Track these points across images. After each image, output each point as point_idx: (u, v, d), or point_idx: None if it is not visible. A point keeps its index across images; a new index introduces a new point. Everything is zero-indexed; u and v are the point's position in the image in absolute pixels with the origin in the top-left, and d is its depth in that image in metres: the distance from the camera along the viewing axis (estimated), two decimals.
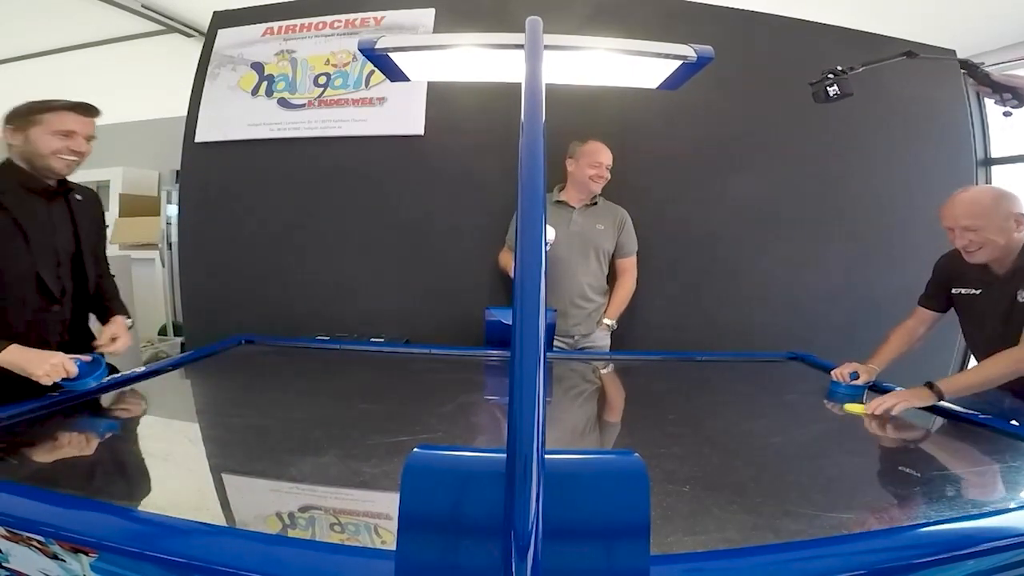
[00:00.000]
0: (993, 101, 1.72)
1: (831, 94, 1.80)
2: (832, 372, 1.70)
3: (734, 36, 2.60)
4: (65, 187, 1.58)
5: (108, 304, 1.70)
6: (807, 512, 0.89)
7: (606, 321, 2.35)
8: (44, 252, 1.50)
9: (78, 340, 1.59)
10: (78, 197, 1.62)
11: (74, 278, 1.58)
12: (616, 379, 2.02)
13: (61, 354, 1.35)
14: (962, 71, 1.80)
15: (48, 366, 1.30)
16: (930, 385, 1.46)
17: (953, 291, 1.69)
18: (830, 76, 1.80)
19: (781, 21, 2.70)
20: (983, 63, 1.74)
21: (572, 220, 2.34)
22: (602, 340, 2.37)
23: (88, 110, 1.53)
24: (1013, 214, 1.50)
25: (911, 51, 1.81)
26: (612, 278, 2.44)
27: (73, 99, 1.52)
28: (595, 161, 2.30)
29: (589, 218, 2.36)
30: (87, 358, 1.40)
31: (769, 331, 2.56)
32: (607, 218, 2.38)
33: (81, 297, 1.61)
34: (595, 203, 2.38)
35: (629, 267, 2.43)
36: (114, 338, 1.59)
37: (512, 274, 2.55)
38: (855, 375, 1.65)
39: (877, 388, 1.67)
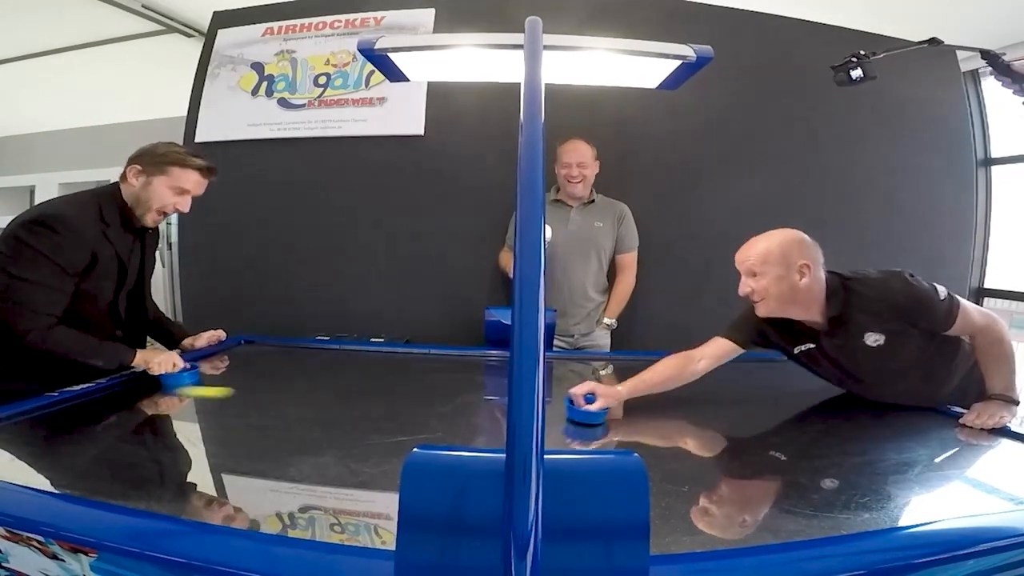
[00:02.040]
0: (1011, 91, 1.68)
1: (854, 77, 1.79)
2: (570, 390, 1.40)
3: (734, 36, 2.60)
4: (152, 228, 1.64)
5: (170, 328, 1.90)
6: (807, 512, 0.89)
7: (606, 320, 2.35)
8: (122, 284, 1.58)
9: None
10: (150, 231, 1.66)
11: (135, 306, 1.66)
12: (616, 379, 2.01)
13: (174, 354, 1.57)
14: (982, 60, 1.77)
15: (162, 359, 1.52)
16: (998, 397, 1.37)
17: (796, 351, 1.54)
18: (853, 60, 1.79)
19: (781, 21, 2.70)
20: (1004, 53, 1.72)
21: (570, 219, 2.33)
22: (602, 339, 2.37)
23: (211, 172, 1.59)
24: (797, 264, 1.39)
25: (935, 38, 1.79)
26: (613, 275, 2.44)
27: (204, 160, 1.57)
28: (563, 162, 2.28)
29: (587, 216, 2.35)
30: (188, 365, 1.57)
31: None
32: (606, 216, 2.37)
33: (140, 324, 1.70)
34: (593, 201, 2.37)
35: (629, 264, 2.41)
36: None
37: (512, 274, 2.54)
38: (591, 398, 1.36)
39: None
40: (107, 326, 1.56)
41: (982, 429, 1.31)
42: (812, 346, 1.51)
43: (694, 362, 1.53)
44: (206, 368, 1.84)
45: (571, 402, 1.37)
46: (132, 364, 1.51)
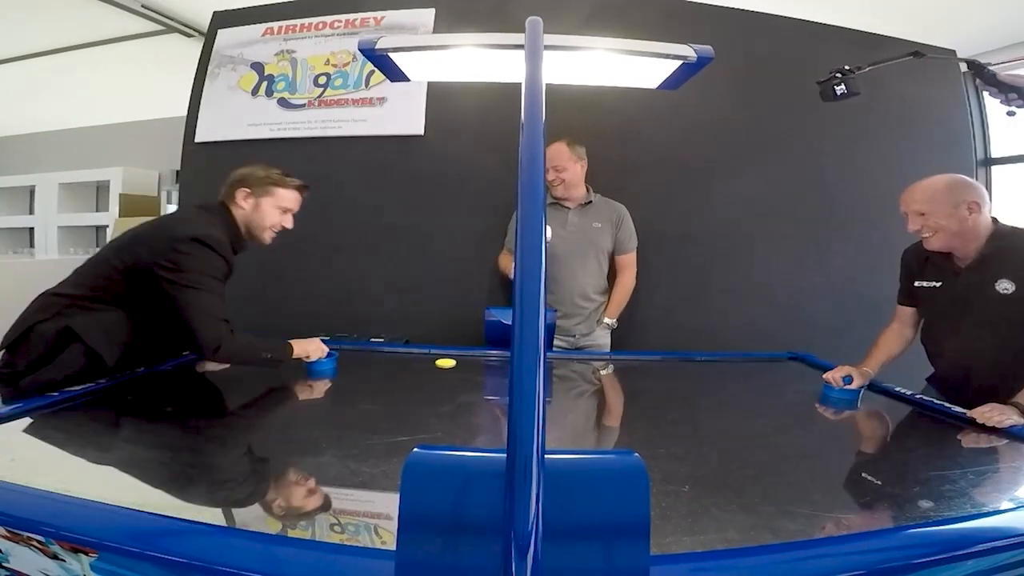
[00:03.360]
0: (999, 101, 1.73)
1: (838, 93, 1.81)
2: (825, 376, 1.63)
3: (734, 36, 2.60)
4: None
5: None
6: (807, 512, 0.89)
7: (606, 321, 2.35)
8: None
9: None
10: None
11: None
12: (616, 379, 2.02)
13: (319, 341, 1.69)
14: (968, 71, 1.79)
15: (315, 346, 1.67)
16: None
17: (916, 284, 1.68)
18: (838, 75, 1.81)
19: (781, 21, 2.71)
20: (989, 63, 1.74)
21: (568, 220, 2.34)
22: (603, 339, 2.37)
23: (307, 189, 1.73)
24: (966, 201, 1.49)
25: (917, 51, 1.82)
26: (613, 275, 2.44)
27: (296, 179, 1.70)
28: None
29: (585, 217, 2.35)
30: (330, 352, 1.70)
31: (769, 331, 2.56)
32: (604, 216, 2.37)
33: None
34: (591, 202, 2.37)
35: (628, 264, 2.41)
36: None
37: (512, 277, 2.53)
38: (849, 379, 1.60)
39: (876, 388, 1.67)
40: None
41: (985, 426, 1.29)
42: (937, 285, 1.60)
43: (902, 333, 1.74)
44: (211, 364, 1.85)
45: (828, 384, 1.60)
46: (295, 355, 1.62)
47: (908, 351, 1.76)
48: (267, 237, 1.67)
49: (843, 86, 1.80)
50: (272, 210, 1.64)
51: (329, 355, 1.69)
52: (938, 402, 1.50)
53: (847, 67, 1.81)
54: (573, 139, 2.30)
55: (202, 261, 1.48)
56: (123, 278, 1.48)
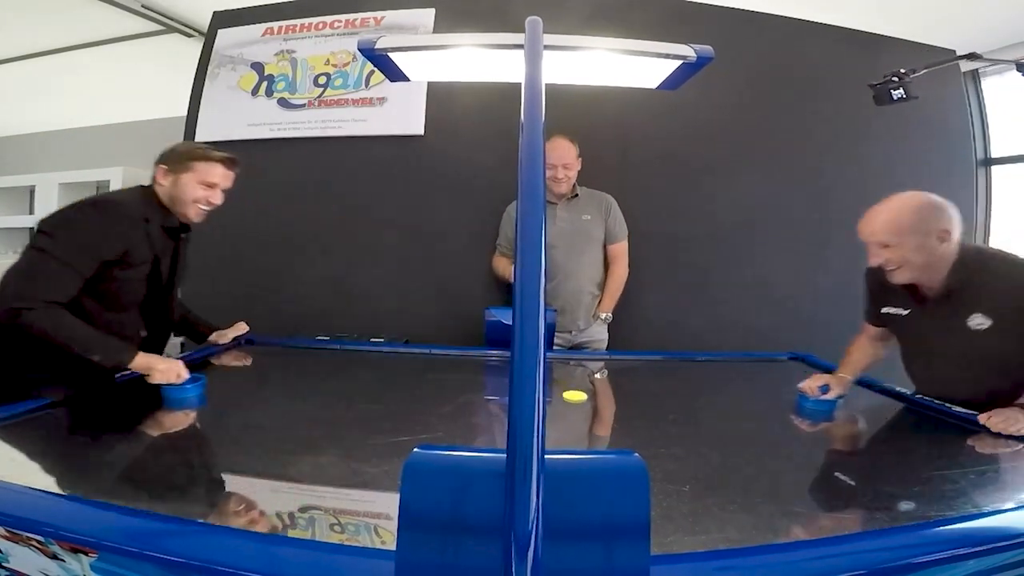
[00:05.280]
0: None
1: (895, 97, 1.77)
2: (800, 385, 1.52)
3: (734, 36, 2.60)
4: (185, 229, 1.67)
5: (196, 322, 1.95)
6: (807, 512, 0.89)
7: (601, 315, 2.35)
8: (154, 282, 1.60)
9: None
10: (183, 236, 1.70)
11: (161, 308, 1.67)
12: (616, 379, 2.01)
13: (180, 363, 1.47)
14: (1018, 72, 1.75)
15: (165, 367, 1.44)
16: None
17: (883, 310, 1.55)
18: (895, 79, 1.77)
19: (781, 21, 2.70)
20: None
21: (558, 216, 2.34)
22: (599, 334, 2.37)
23: (234, 164, 1.65)
24: (936, 230, 1.32)
25: (974, 52, 1.79)
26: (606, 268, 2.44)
27: (223, 152, 1.63)
28: (548, 163, 2.27)
29: (574, 211, 2.36)
30: (193, 376, 1.47)
31: (769, 331, 2.56)
32: (592, 207, 2.38)
33: (165, 324, 1.73)
34: (576, 195, 2.38)
35: (620, 253, 2.42)
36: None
37: (508, 278, 2.54)
38: (825, 388, 1.50)
39: (876, 388, 1.66)
40: (134, 322, 1.58)
41: (1001, 435, 1.25)
42: (904, 313, 1.47)
43: (873, 345, 1.64)
44: (228, 360, 1.84)
45: (804, 395, 1.50)
46: (131, 366, 1.43)
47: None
48: (192, 213, 1.59)
49: (901, 90, 1.77)
50: (193, 185, 1.57)
51: (193, 382, 1.43)
52: (938, 402, 1.49)
53: (903, 70, 1.78)
54: (571, 136, 2.30)
55: (73, 224, 1.40)
56: None
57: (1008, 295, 1.32)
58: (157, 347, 1.70)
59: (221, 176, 1.61)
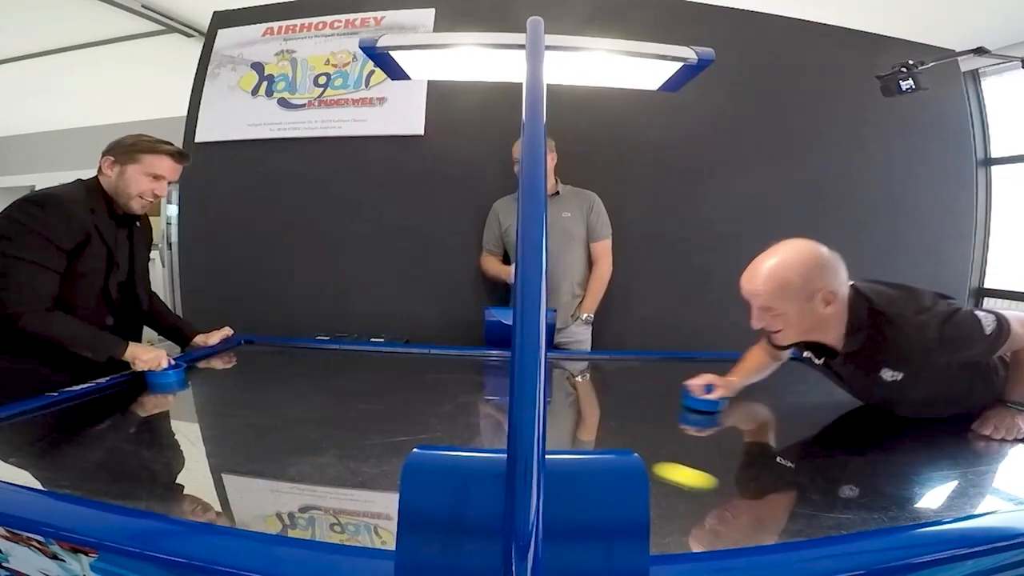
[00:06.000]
0: None
1: (904, 88, 1.75)
2: (687, 382, 1.46)
3: (734, 36, 2.60)
4: (136, 217, 1.68)
5: (179, 326, 1.93)
6: (807, 512, 0.89)
7: (583, 315, 2.33)
8: (111, 270, 1.60)
9: None
10: (138, 224, 1.71)
11: (127, 297, 1.68)
12: (613, 380, 2.01)
13: (162, 352, 1.56)
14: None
15: (149, 356, 1.52)
16: (1014, 404, 1.28)
17: (806, 356, 1.44)
18: (903, 70, 1.75)
19: (781, 21, 2.71)
20: None
21: None
22: (581, 335, 2.34)
23: (183, 157, 1.65)
24: (820, 291, 1.22)
25: (982, 47, 1.77)
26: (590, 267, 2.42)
27: (172, 144, 1.64)
28: (514, 158, 2.28)
29: (555, 208, 2.34)
30: (173, 362, 1.57)
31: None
32: (574, 205, 2.36)
33: (134, 313, 1.73)
34: (557, 192, 2.37)
35: (603, 252, 2.39)
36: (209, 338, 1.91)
37: (497, 276, 2.51)
38: (710, 388, 1.44)
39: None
40: (98, 312, 1.58)
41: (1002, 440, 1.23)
42: (819, 362, 1.41)
43: (769, 360, 1.58)
44: (217, 363, 1.85)
45: (688, 392, 1.45)
46: (123, 357, 1.51)
47: None
48: (135, 205, 1.59)
49: (910, 81, 1.75)
50: (139, 177, 1.57)
51: (174, 367, 1.55)
52: None
53: (911, 62, 1.76)
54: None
55: (35, 223, 1.42)
56: None
57: (909, 353, 1.24)
58: (132, 337, 1.70)
59: (169, 169, 1.62)
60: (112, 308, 1.62)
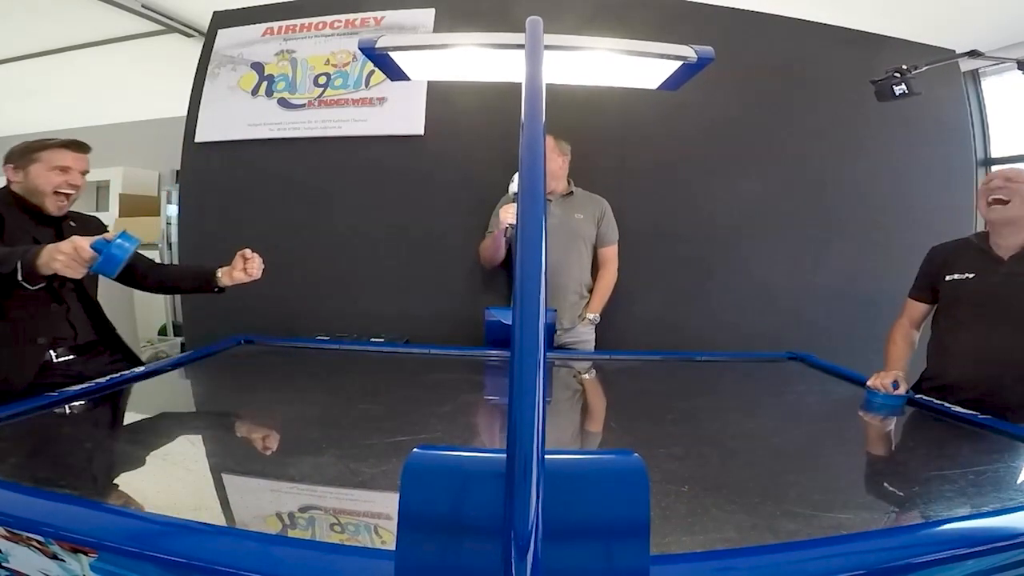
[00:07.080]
0: None
1: (897, 92, 1.78)
2: (869, 382, 1.55)
3: (735, 36, 2.60)
4: (61, 217, 1.66)
5: (199, 281, 1.88)
6: (806, 512, 0.89)
7: (589, 316, 2.34)
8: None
9: (100, 334, 1.74)
10: (72, 224, 1.70)
11: (83, 297, 1.69)
12: (615, 379, 2.02)
13: (79, 239, 1.29)
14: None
15: (63, 257, 1.26)
16: None
17: (946, 278, 1.64)
18: (896, 75, 1.78)
19: (781, 21, 2.71)
20: None
21: (550, 212, 2.33)
22: (586, 335, 2.35)
23: (80, 146, 1.66)
24: None
25: (975, 50, 1.80)
26: (595, 270, 2.43)
27: (65, 137, 1.65)
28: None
29: (567, 209, 2.35)
30: (107, 236, 1.32)
31: (769, 331, 2.56)
32: (586, 208, 2.38)
33: (102, 321, 1.75)
34: (571, 193, 2.38)
35: (611, 257, 2.42)
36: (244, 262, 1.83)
37: (484, 252, 2.46)
38: (896, 384, 1.51)
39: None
40: (53, 319, 1.59)
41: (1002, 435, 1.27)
42: (970, 276, 1.57)
43: (912, 330, 1.74)
44: (228, 359, 1.87)
45: (875, 392, 1.53)
46: (41, 262, 1.27)
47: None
48: (51, 204, 1.60)
49: (903, 86, 1.77)
50: (45, 173, 1.59)
51: (107, 241, 1.29)
52: (938, 402, 1.50)
53: (904, 66, 1.78)
54: (558, 136, 2.31)
55: None
56: None
57: None
58: (106, 339, 1.74)
59: (72, 159, 1.63)
60: (58, 298, 1.61)
